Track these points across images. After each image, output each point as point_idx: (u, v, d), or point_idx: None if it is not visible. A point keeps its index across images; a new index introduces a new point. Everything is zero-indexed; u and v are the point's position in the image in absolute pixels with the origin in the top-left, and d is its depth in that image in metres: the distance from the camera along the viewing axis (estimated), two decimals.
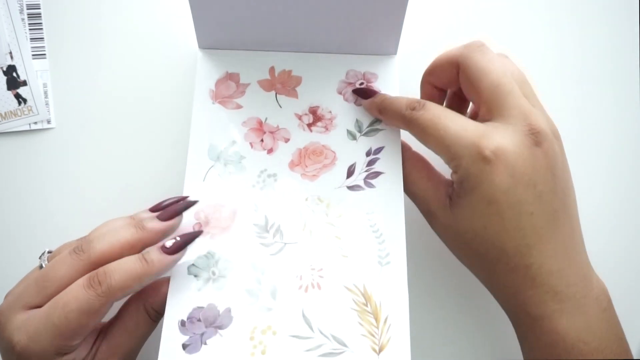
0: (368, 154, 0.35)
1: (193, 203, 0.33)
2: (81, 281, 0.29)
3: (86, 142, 0.38)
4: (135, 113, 0.38)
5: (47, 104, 0.38)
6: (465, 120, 0.31)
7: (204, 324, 0.31)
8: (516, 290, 0.30)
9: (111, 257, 0.30)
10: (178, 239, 0.31)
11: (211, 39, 0.36)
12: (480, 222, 0.30)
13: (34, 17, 0.38)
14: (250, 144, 0.35)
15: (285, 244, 0.33)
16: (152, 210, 0.32)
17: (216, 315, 0.31)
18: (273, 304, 0.32)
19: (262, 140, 0.35)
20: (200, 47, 0.37)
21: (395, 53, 0.37)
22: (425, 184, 0.33)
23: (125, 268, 0.29)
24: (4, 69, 0.38)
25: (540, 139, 0.30)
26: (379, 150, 0.35)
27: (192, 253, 0.32)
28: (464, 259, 0.33)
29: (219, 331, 0.31)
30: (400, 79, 0.38)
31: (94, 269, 0.29)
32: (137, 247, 0.30)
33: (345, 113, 0.36)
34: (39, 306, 0.29)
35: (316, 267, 0.33)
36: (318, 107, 0.36)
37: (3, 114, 0.38)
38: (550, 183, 0.30)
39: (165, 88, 0.38)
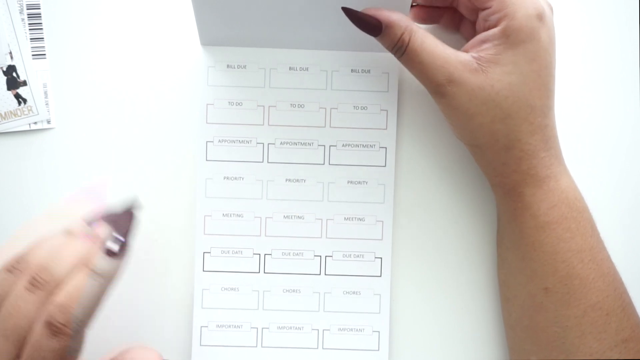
0: None
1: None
2: (44, 330, 0.27)
3: (86, 142, 0.38)
4: (136, 112, 0.38)
5: (47, 104, 0.38)
6: None
7: None
8: (532, 152, 0.33)
9: (66, 281, 0.28)
10: (119, 236, 0.29)
11: (213, 35, 0.36)
12: (520, 77, 0.31)
13: (34, 17, 0.38)
14: None
15: None
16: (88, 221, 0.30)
17: None
18: None
19: None
20: (202, 43, 0.37)
21: None
22: (445, 50, 0.32)
23: (85, 296, 0.27)
24: (4, 69, 0.38)
25: (544, 16, 0.32)
26: None
27: None
28: (481, 128, 0.32)
29: None
30: (400, 76, 0.38)
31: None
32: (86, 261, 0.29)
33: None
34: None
35: None
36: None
37: (3, 114, 0.37)
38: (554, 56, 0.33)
39: (167, 86, 0.38)
